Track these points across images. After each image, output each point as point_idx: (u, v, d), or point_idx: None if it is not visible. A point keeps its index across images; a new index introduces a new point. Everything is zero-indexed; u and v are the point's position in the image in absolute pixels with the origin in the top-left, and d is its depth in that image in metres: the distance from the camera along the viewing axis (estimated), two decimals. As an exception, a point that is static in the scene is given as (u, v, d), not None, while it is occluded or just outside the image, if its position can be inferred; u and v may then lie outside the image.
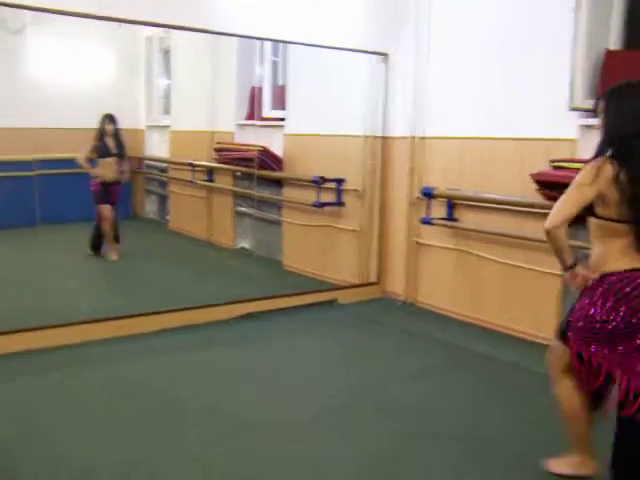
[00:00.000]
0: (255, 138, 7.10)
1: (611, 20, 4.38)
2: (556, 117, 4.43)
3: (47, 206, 7.00)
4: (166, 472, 2.87)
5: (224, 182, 7.77)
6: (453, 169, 5.20)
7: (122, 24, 4.77)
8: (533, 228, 4.52)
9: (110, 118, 6.74)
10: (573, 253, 2.54)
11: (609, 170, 2.37)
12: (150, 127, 9.61)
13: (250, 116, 7.39)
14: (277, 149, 6.78)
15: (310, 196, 6.22)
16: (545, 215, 2.50)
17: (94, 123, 6.75)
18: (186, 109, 8.56)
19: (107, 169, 6.79)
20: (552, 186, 4.14)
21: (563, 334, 2.65)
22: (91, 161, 6.79)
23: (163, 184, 9.30)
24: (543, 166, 4.38)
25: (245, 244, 7.56)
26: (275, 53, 7.15)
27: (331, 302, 5.62)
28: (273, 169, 6.73)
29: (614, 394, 2.55)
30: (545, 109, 4.52)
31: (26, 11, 4.56)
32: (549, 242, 2.47)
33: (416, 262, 5.61)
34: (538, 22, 4.56)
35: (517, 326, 4.77)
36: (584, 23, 4.30)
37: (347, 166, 6.01)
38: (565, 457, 2.80)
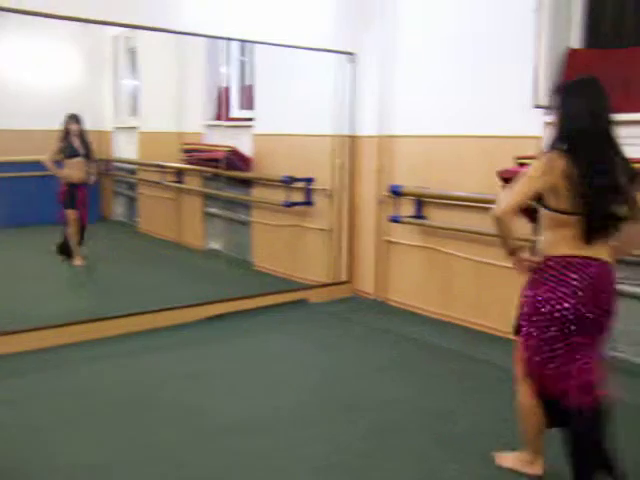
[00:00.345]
0: (224, 138, 7.07)
1: (572, 20, 4.46)
2: (521, 115, 4.49)
3: (9, 209, 6.89)
4: (136, 474, 2.85)
5: (193, 183, 7.73)
6: (421, 167, 5.24)
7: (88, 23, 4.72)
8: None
9: (74, 118, 6.63)
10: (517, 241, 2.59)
11: (561, 164, 2.40)
12: (117, 128, 9.51)
13: (219, 116, 7.37)
14: (246, 149, 6.76)
15: (279, 196, 6.22)
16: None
17: (59, 125, 6.64)
18: (154, 110, 8.48)
19: (74, 170, 6.67)
20: (517, 183, 4.19)
21: (518, 328, 2.70)
22: (57, 163, 6.69)
23: (132, 186, 9.22)
24: (510, 163, 4.44)
25: (215, 245, 7.53)
26: (243, 53, 7.13)
27: (302, 301, 5.63)
28: (242, 169, 6.71)
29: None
30: (510, 107, 4.58)
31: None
32: (496, 228, 2.52)
33: (386, 260, 5.64)
34: (502, 22, 4.62)
35: (487, 322, 4.82)
36: (546, 23, 4.37)
37: (316, 165, 6.02)
38: (516, 453, 2.86)
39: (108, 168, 9.38)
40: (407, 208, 5.32)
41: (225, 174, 6.74)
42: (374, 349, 4.57)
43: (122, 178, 9.46)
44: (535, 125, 4.42)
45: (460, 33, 4.90)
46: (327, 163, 5.89)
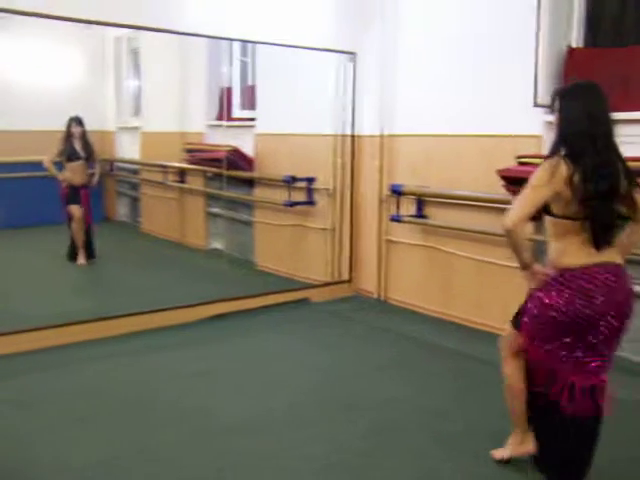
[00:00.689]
0: (226, 138, 7.08)
1: (573, 18, 4.47)
2: (522, 114, 4.50)
3: (11, 210, 6.92)
4: (135, 473, 2.86)
5: (196, 183, 7.75)
6: (422, 166, 5.25)
7: (91, 24, 4.74)
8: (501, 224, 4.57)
9: (77, 121, 6.65)
10: (531, 251, 2.59)
11: (564, 170, 2.40)
12: (120, 129, 9.53)
13: (221, 116, 7.38)
14: (248, 149, 6.78)
15: (281, 195, 6.23)
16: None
17: (62, 125, 6.66)
18: (156, 110, 8.49)
19: (75, 173, 6.70)
20: (518, 182, 4.18)
21: (517, 320, 2.72)
22: (57, 165, 6.71)
23: (135, 186, 9.24)
24: (510, 162, 4.44)
25: (217, 245, 7.55)
26: (244, 53, 7.15)
27: (303, 301, 5.64)
28: (244, 169, 6.73)
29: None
30: (511, 106, 4.58)
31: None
32: (508, 240, 2.51)
33: (387, 259, 5.65)
34: (502, 21, 4.62)
35: (487, 321, 4.82)
36: (546, 21, 4.37)
37: (317, 165, 6.03)
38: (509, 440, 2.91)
39: (111, 168, 9.41)
40: (408, 207, 5.33)
41: (227, 174, 6.75)
42: (375, 348, 4.58)
43: (125, 178, 9.48)
44: (535, 124, 4.43)
45: (460, 32, 4.90)
46: (328, 162, 5.90)
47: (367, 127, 5.68)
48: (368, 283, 5.84)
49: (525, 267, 2.58)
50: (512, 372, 2.77)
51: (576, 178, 2.39)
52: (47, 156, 6.62)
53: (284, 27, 5.27)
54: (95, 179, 7.01)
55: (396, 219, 5.35)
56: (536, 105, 4.39)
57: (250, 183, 6.89)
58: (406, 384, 3.90)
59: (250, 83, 7.10)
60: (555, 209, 2.47)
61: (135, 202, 9.29)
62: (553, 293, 2.51)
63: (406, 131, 5.36)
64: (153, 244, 8.26)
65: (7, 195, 7.19)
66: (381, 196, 5.58)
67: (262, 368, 4.17)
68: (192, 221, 7.89)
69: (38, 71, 8.21)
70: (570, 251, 2.49)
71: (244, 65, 7.19)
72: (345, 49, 5.63)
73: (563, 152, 2.47)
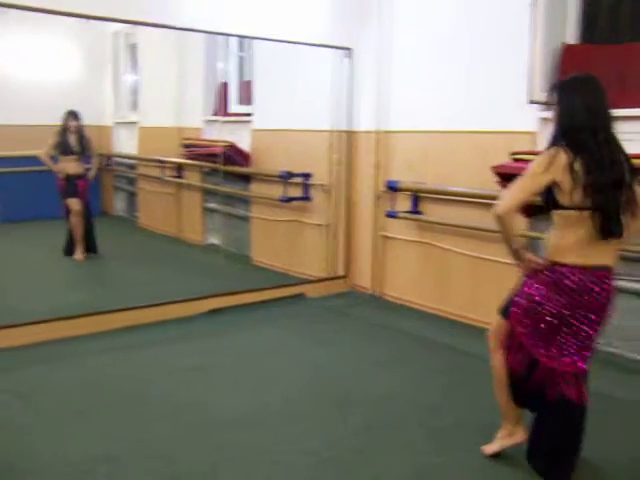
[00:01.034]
0: (223, 134, 7.08)
1: (568, 14, 4.47)
2: (516, 110, 4.50)
3: (9, 204, 6.92)
4: (130, 467, 2.88)
5: (193, 178, 7.75)
6: (417, 162, 5.26)
7: (89, 19, 4.73)
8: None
9: (73, 115, 6.65)
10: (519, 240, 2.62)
11: (563, 158, 2.41)
12: (118, 124, 9.53)
13: (218, 112, 7.38)
14: (245, 144, 6.78)
15: (277, 191, 6.24)
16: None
17: (59, 120, 6.66)
18: (154, 105, 8.49)
19: (69, 166, 6.71)
20: (512, 178, 4.17)
21: (506, 309, 2.74)
22: (53, 158, 6.71)
23: (132, 181, 9.24)
24: (504, 158, 4.45)
25: (214, 240, 7.55)
26: (241, 49, 7.14)
27: (299, 296, 5.66)
28: (241, 164, 6.73)
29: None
30: (506, 102, 4.59)
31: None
32: (498, 226, 2.53)
33: (383, 255, 5.66)
34: (497, 17, 4.63)
35: (482, 317, 4.83)
36: (541, 17, 4.38)
37: (313, 161, 6.04)
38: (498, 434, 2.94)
39: (108, 163, 9.41)
40: (404, 203, 5.34)
41: (224, 169, 6.76)
42: (369, 344, 4.59)
43: (122, 173, 9.48)
44: (530, 120, 4.44)
45: (456, 28, 4.91)
46: (325, 158, 5.91)
47: (363, 123, 5.69)
48: (363, 279, 5.85)
49: (515, 254, 2.60)
50: (498, 362, 2.81)
51: (577, 166, 2.40)
52: (43, 149, 6.63)
53: (281, 22, 5.27)
54: (93, 173, 7.02)
55: (392, 215, 5.36)
56: (531, 102, 4.40)
57: (247, 178, 6.90)
58: (400, 380, 3.92)
59: (247, 78, 7.10)
60: (561, 199, 2.48)
61: (132, 197, 9.29)
62: (539, 286, 2.56)
63: (402, 127, 5.37)
64: (150, 239, 8.26)
65: (5, 189, 7.18)
66: (377, 192, 5.59)
67: (257, 363, 4.18)
68: (189, 216, 7.90)
69: (35, 66, 8.19)
70: (567, 247, 2.51)
71: (241, 60, 7.19)
72: (341, 45, 5.64)
73: (563, 143, 2.47)
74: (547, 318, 2.55)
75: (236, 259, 6.96)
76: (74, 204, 6.73)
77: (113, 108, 9.49)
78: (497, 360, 2.82)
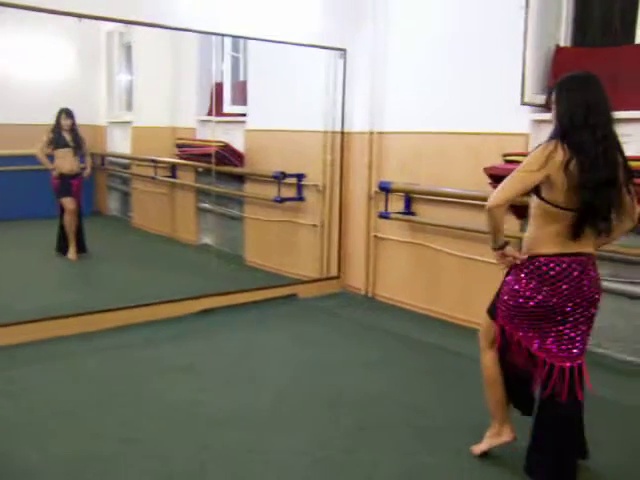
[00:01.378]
0: (217, 134, 7.08)
1: (561, 17, 4.49)
2: (509, 112, 4.52)
3: (2, 203, 6.90)
4: (120, 466, 2.88)
5: (186, 178, 7.74)
6: (410, 163, 5.27)
7: (83, 19, 4.73)
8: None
9: (67, 113, 6.64)
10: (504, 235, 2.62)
11: (560, 156, 2.41)
12: (112, 123, 9.51)
13: (212, 112, 7.37)
14: (239, 145, 6.79)
15: (271, 191, 6.24)
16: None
17: (52, 119, 6.65)
18: (148, 105, 8.48)
19: (64, 161, 6.69)
20: (503, 180, 4.22)
21: (493, 309, 2.76)
22: (49, 157, 6.70)
23: (126, 181, 9.23)
24: (497, 160, 4.47)
25: (208, 240, 7.55)
26: (235, 49, 7.14)
27: (291, 296, 5.66)
28: (234, 165, 6.73)
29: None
30: (498, 104, 4.60)
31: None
32: (488, 220, 2.53)
33: (375, 256, 5.67)
34: (490, 19, 4.65)
35: (472, 318, 4.84)
36: (534, 20, 4.38)
37: (307, 161, 6.05)
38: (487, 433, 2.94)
39: (102, 163, 9.39)
40: (396, 204, 5.34)
41: (215, 169, 6.75)
42: (361, 344, 4.60)
43: (116, 173, 9.46)
44: (523, 122, 4.45)
45: (450, 30, 4.92)
46: (318, 159, 5.92)
47: (357, 124, 5.70)
48: (356, 279, 5.86)
49: (498, 248, 2.61)
50: (487, 362, 2.82)
51: (572, 165, 2.40)
52: (37, 145, 6.61)
53: (275, 23, 5.28)
54: (88, 171, 7.00)
55: (384, 216, 5.37)
56: (523, 104, 4.41)
57: (240, 179, 6.90)
58: (391, 380, 3.92)
59: (241, 79, 7.11)
60: (544, 193, 2.48)
61: (126, 197, 9.28)
62: (523, 281, 2.58)
63: (395, 128, 5.38)
64: (144, 239, 8.25)
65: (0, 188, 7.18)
66: (370, 193, 5.60)
67: (248, 363, 4.18)
68: (183, 216, 7.90)
69: (29, 65, 8.16)
70: (546, 240, 2.53)
71: (235, 61, 7.19)
72: (335, 46, 5.64)
73: (560, 140, 2.46)
74: (535, 310, 2.56)
75: (229, 259, 6.95)
76: (68, 203, 6.73)
77: (107, 108, 9.48)
78: (487, 359, 2.83)
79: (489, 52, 4.66)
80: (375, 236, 5.64)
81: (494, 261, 2.72)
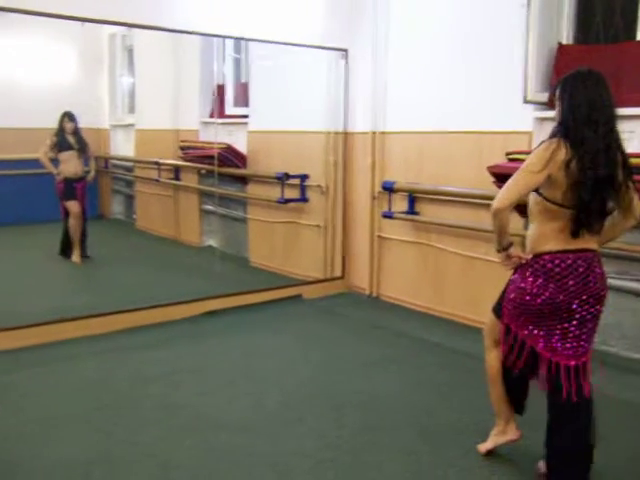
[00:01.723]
0: (219, 136, 7.08)
1: (562, 15, 4.48)
2: (512, 110, 4.51)
3: (6, 207, 6.92)
4: (123, 470, 2.87)
5: (190, 180, 7.75)
6: (414, 163, 5.27)
7: (85, 22, 4.74)
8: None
9: (69, 116, 6.66)
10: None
11: (562, 154, 2.40)
12: (114, 126, 9.52)
13: (214, 114, 7.38)
14: (241, 146, 6.79)
15: (274, 192, 6.24)
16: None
17: (55, 123, 6.66)
18: (151, 107, 8.49)
19: (69, 164, 6.70)
20: (507, 178, 4.18)
21: (499, 307, 2.75)
22: (53, 161, 6.71)
23: (129, 183, 9.23)
24: (500, 159, 4.46)
25: (212, 242, 7.55)
26: (237, 50, 7.15)
27: (296, 297, 5.66)
28: (237, 166, 6.73)
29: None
30: (501, 103, 4.60)
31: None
32: (493, 222, 2.52)
33: (379, 256, 5.67)
34: (492, 18, 4.64)
35: (477, 317, 4.83)
36: (536, 18, 4.38)
37: (310, 162, 6.05)
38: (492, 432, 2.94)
39: (105, 166, 9.40)
40: (400, 204, 5.34)
41: (217, 170, 6.76)
42: (366, 345, 4.60)
43: (119, 176, 9.47)
44: (525, 121, 4.44)
45: (451, 29, 4.92)
46: (321, 160, 5.92)
47: (359, 124, 5.70)
48: (360, 280, 5.86)
49: (503, 249, 2.61)
50: (492, 361, 2.82)
51: (573, 164, 2.39)
52: (41, 149, 6.61)
53: (276, 24, 5.28)
54: (92, 174, 7.02)
55: (388, 216, 5.37)
56: (526, 102, 4.41)
57: (243, 180, 6.90)
58: (396, 380, 3.92)
59: (243, 80, 7.11)
60: (544, 191, 2.48)
61: (130, 199, 9.29)
62: (529, 279, 2.57)
63: (398, 128, 5.38)
64: (148, 241, 8.26)
65: (1, 192, 7.18)
66: (373, 193, 5.60)
67: (254, 364, 4.18)
68: (186, 218, 7.90)
69: (32, 69, 8.18)
70: (549, 237, 2.52)
71: (237, 62, 7.20)
72: (337, 46, 5.64)
73: (563, 137, 2.45)
74: (541, 307, 2.55)
75: (233, 261, 6.96)
76: (73, 206, 6.74)
77: (110, 111, 9.49)
78: (491, 358, 2.83)
79: (491, 51, 4.65)
80: (379, 236, 5.64)
81: (498, 260, 2.71)
